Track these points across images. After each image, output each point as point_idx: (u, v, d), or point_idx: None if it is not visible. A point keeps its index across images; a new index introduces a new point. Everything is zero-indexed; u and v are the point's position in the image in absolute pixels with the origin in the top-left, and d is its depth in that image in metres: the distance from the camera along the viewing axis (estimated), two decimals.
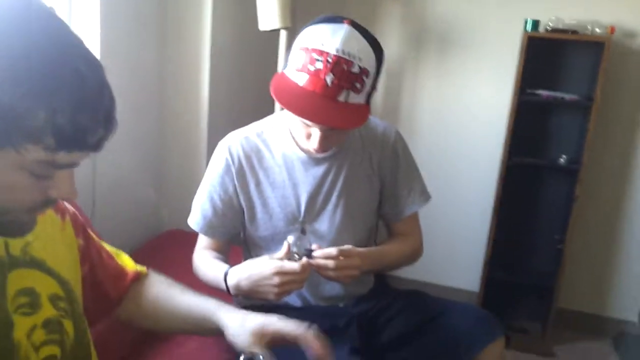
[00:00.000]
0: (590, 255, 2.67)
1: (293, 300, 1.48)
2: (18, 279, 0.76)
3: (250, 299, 1.51)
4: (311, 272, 1.24)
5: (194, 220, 1.45)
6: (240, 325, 0.97)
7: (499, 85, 2.57)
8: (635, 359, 2.47)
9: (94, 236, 1.01)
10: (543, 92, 2.40)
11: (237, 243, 1.55)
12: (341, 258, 1.24)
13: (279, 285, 1.19)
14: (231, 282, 1.27)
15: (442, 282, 2.85)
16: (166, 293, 1.08)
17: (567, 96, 2.38)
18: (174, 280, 1.13)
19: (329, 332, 1.37)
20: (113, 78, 0.67)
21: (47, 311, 0.80)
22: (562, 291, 2.52)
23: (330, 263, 1.23)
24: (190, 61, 2.15)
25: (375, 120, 1.53)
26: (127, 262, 1.10)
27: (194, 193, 1.47)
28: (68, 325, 0.84)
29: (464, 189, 2.74)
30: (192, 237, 1.50)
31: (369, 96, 1.27)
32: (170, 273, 1.81)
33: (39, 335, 0.78)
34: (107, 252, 1.05)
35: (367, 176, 1.48)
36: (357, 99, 1.23)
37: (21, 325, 0.75)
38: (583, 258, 2.66)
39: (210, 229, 1.44)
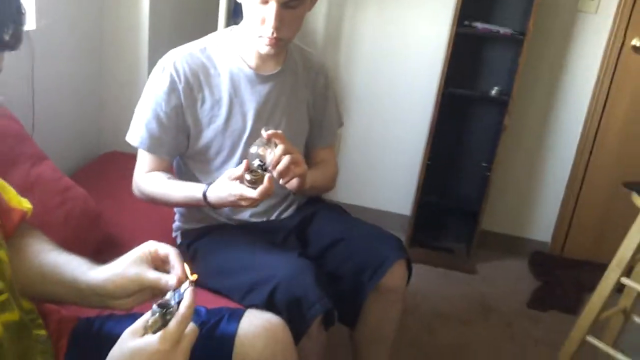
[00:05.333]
0: (513, 182, 2.86)
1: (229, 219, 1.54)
2: None
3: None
4: None
5: (138, 137, 1.41)
6: (120, 262, 0.84)
7: (438, 17, 2.62)
8: (545, 274, 2.73)
9: None
10: (479, 25, 2.48)
11: None
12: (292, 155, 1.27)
13: (248, 204, 1.25)
14: (211, 199, 1.31)
15: (375, 205, 2.98)
16: (39, 247, 0.90)
17: (502, 30, 2.47)
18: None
19: (271, 246, 1.44)
20: None
21: None
22: (486, 215, 2.71)
23: (287, 159, 1.25)
24: None
25: (307, 48, 1.57)
26: (13, 197, 0.91)
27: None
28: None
29: (400, 116, 2.82)
30: (133, 158, 1.48)
31: None
32: (113, 195, 1.84)
33: None
34: None
35: (305, 100, 1.54)
36: None
37: None
38: (507, 185, 2.84)
39: (159, 147, 1.41)
